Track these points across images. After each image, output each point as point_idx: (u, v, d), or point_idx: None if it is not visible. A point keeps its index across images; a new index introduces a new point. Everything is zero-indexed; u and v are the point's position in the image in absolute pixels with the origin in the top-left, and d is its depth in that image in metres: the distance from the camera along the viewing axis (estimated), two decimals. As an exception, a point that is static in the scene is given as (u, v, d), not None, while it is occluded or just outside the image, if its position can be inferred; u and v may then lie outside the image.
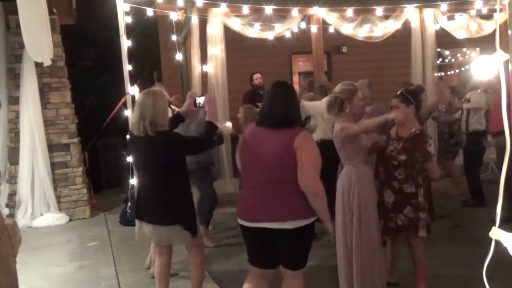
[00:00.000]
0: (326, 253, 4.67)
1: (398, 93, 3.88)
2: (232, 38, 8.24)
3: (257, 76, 8.25)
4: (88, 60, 12.56)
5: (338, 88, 3.78)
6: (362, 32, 8.65)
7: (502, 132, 5.34)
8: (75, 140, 7.69)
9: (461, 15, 9.16)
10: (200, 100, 4.22)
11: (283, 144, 2.92)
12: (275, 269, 3.14)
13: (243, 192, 3.21)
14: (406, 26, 8.98)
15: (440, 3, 8.86)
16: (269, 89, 3.22)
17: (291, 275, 3.07)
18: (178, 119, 3.85)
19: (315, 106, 5.78)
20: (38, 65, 6.84)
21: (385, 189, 3.80)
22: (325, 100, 5.61)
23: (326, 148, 5.54)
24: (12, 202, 7.23)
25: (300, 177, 2.87)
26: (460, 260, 4.51)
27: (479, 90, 6.61)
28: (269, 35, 8.17)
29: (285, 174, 2.91)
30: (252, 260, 3.18)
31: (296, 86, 11.32)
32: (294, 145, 2.88)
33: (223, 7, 7.80)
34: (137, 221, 3.64)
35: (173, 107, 6.55)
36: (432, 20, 9.15)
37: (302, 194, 2.91)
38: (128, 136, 3.71)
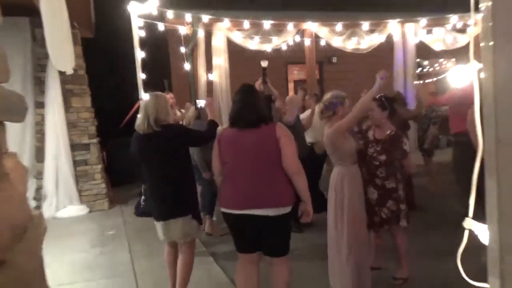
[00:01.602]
0: (318, 243, 4.67)
1: (377, 97, 3.88)
2: (234, 50, 8.25)
3: (258, 83, 8.28)
4: (106, 69, 12.54)
5: (329, 95, 3.79)
6: (350, 45, 8.68)
7: (457, 134, 5.33)
8: (94, 140, 7.70)
9: (438, 29, 9.18)
10: (201, 103, 4.24)
11: (266, 138, 2.95)
12: (261, 252, 3.10)
13: (226, 185, 3.08)
14: (389, 39, 9.02)
15: (419, 18, 8.91)
16: (237, 93, 3.16)
17: (278, 262, 3.05)
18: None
19: (307, 115, 5.92)
20: (61, 73, 6.86)
21: (368, 187, 3.80)
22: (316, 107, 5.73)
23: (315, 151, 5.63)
24: (38, 195, 7.23)
25: (285, 161, 2.92)
26: (437, 247, 4.51)
27: None
28: (267, 47, 8.18)
29: (270, 163, 2.92)
30: (239, 246, 3.13)
31: (291, 92, 11.41)
32: (277, 136, 2.93)
33: (226, 22, 7.83)
34: (155, 223, 3.53)
35: (183, 110, 6.58)
36: (413, 34, 9.17)
37: (283, 183, 2.94)
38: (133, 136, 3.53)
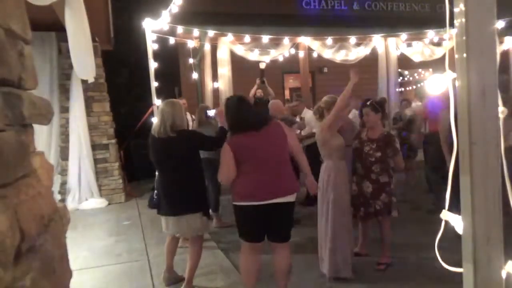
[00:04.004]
0: (309, 232, 4.66)
1: (368, 103, 3.88)
2: (237, 61, 8.26)
3: (259, 91, 8.29)
4: (123, 78, 12.52)
5: (323, 99, 3.82)
6: (339, 56, 8.69)
7: (431, 133, 5.35)
8: (113, 141, 7.69)
9: (417, 43, 9.19)
10: (211, 113, 4.26)
11: (278, 135, 3.03)
12: (264, 242, 3.06)
13: (247, 181, 2.91)
14: (374, 51, 9.03)
15: (400, 33, 8.91)
16: (231, 105, 3.02)
17: (282, 246, 3.02)
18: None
19: (308, 121, 5.95)
20: (83, 81, 6.84)
21: (364, 181, 3.77)
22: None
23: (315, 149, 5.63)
24: (63, 190, 7.22)
25: (292, 146, 3.08)
26: (416, 235, 4.51)
27: None
28: (266, 59, 8.19)
29: (283, 154, 3.02)
30: (250, 235, 3.02)
31: (287, 98, 11.39)
32: (284, 131, 3.07)
33: (230, 36, 7.84)
34: (162, 218, 3.43)
35: (193, 116, 6.56)
36: (395, 47, 9.19)
37: (292, 172, 3.06)
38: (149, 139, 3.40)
